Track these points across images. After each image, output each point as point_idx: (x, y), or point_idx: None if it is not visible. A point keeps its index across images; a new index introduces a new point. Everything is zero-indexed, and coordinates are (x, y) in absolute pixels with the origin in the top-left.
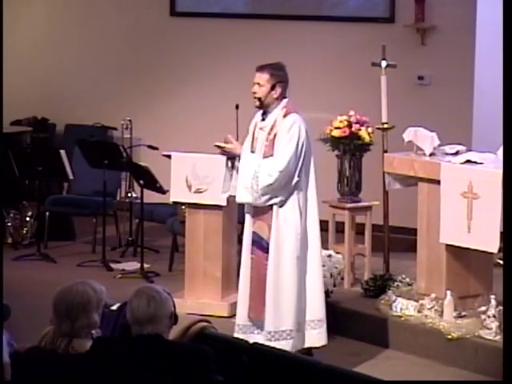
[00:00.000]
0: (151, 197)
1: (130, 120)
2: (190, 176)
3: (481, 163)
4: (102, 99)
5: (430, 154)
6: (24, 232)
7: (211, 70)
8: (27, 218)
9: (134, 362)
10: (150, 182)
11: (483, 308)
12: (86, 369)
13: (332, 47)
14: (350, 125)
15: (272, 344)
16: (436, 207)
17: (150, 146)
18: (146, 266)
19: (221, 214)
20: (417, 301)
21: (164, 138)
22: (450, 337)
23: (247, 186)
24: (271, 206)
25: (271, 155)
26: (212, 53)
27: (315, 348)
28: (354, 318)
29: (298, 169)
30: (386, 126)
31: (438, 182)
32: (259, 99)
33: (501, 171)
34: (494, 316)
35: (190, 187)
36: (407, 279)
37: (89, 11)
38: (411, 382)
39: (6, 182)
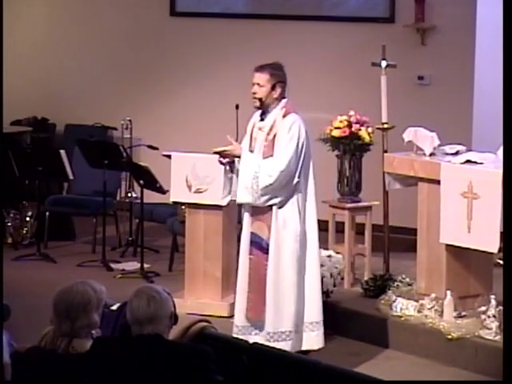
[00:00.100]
0: (151, 197)
1: (130, 120)
2: (190, 176)
3: (481, 163)
4: (102, 99)
5: (430, 154)
6: (24, 232)
7: (211, 70)
8: (27, 218)
9: (134, 361)
10: (150, 182)
11: (483, 308)
12: (86, 369)
13: (332, 47)
14: (350, 125)
15: (271, 345)
16: (436, 207)
17: (150, 146)
18: (146, 265)
19: (221, 214)
20: (417, 301)
21: (164, 138)
22: (449, 337)
23: (247, 186)
24: (271, 206)
25: (271, 155)
26: (212, 53)
27: (313, 351)
28: (353, 318)
29: (298, 169)
30: (386, 125)
31: (438, 182)
32: (260, 100)
33: (501, 171)
34: (494, 316)
35: (190, 187)
36: (407, 279)
37: (89, 11)
38: (411, 382)
39: (6, 181)
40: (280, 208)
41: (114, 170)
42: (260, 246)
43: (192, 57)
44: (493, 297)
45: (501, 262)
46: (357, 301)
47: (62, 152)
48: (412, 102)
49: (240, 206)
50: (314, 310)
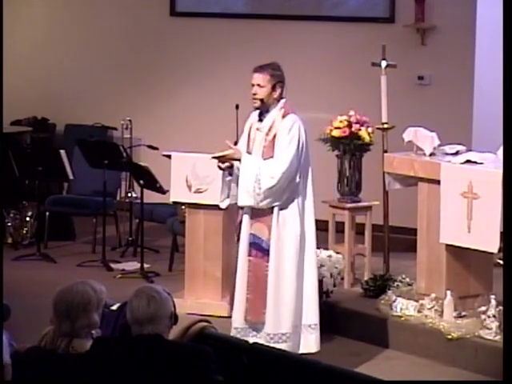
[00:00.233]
0: (151, 197)
1: (130, 120)
2: (190, 176)
3: (481, 163)
4: (102, 99)
5: (430, 154)
6: (24, 232)
7: (211, 70)
8: (27, 218)
9: (134, 361)
10: (150, 181)
11: (483, 308)
12: (86, 369)
13: (332, 47)
14: (350, 125)
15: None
16: (436, 207)
17: (150, 146)
18: (146, 265)
19: (221, 214)
20: (417, 301)
21: (164, 138)
22: (449, 337)
23: (249, 190)
24: (272, 207)
25: (271, 157)
26: (212, 53)
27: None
28: (354, 318)
29: (299, 169)
30: (386, 125)
31: (438, 182)
32: (261, 100)
33: (501, 171)
34: (494, 316)
35: (190, 187)
36: (407, 279)
37: (89, 11)
38: (411, 382)
39: (6, 181)
40: (281, 209)
41: (114, 169)
42: (260, 247)
43: (192, 57)
44: (493, 297)
45: (501, 261)
46: (357, 301)
47: (62, 152)
48: (412, 102)
49: (240, 207)
50: (311, 312)
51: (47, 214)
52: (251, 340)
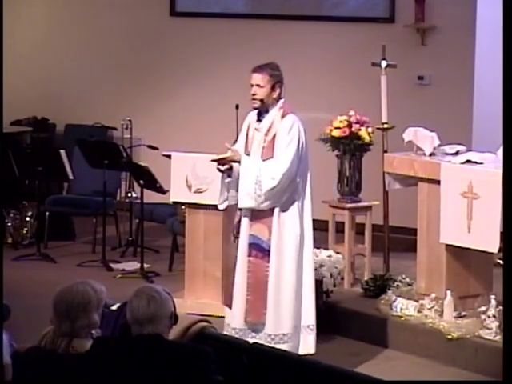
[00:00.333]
0: (151, 197)
1: (130, 120)
2: (190, 176)
3: (481, 163)
4: (102, 99)
5: (430, 154)
6: (24, 232)
7: (211, 70)
8: (27, 218)
9: (134, 361)
10: (150, 181)
11: (483, 308)
12: (86, 369)
13: (332, 47)
14: (350, 125)
15: None
16: (436, 207)
17: (150, 146)
18: (146, 266)
19: (221, 214)
20: (417, 301)
21: (164, 138)
22: (449, 337)
23: (250, 192)
24: (272, 208)
25: (270, 157)
26: (212, 53)
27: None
28: (354, 318)
29: (299, 170)
30: (386, 125)
31: (438, 182)
32: (261, 101)
33: (501, 171)
34: (494, 316)
35: (190, 187)
36: (407, 279)
37: (89, 11)
38: (411, 382)
39: (6, 181)
40: (281, 209)
41: (114, 169)
42: (260, 247)
43: (192, 57)
44: (493, 297)
45: (501, 262)
46: (357, 301)
47: (62, 152)
48: (412, 102)
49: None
50: (310, 313)
51: (47, 214)
52: (251, 340)
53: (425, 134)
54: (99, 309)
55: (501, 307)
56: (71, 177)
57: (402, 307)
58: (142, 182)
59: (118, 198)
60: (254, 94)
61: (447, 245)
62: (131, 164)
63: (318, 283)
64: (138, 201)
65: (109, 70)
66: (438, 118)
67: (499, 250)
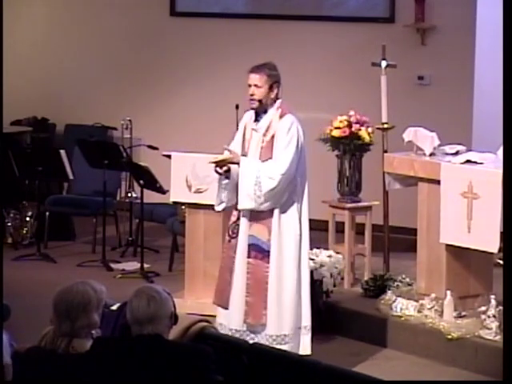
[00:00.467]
0: (151, 197)
1: (130, 120)
2: (190, 176)
3: (481, 163)
4: (102, 99)
5: (430, 154)
6: (24, 232)
7: (211, 70)
8: (27, 218)
9: (134, 361)
10: (150, 181)
11: (483, 308)
12: (86, 369)
13: (332, 47)
14: (350, 125)
15: None
16: (436, 207)
17: (150, 146)
18: (146, 265)
19: (221, 214)
20: (417, 301)
21: (164, 138)
22: (449, 337)
23: (249, 193)
24: (272, 209)
25: (269, 157)
26: (212, 53)
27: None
28: (354, 318)
29: (298, 170)
30: (386, 125)
31: (438, 182)
32: (259, 101)
33: (501, 171)
34: (494, 316)
35: (190, 187)
36: (407, 279)
37: (89, 11)
38: (411, 382)
39: (6, 181)
40: (281, 210)
41: (114, 169)
42: (260, 248)
43: (192, 57)
44: (493, 297)
45: (501, 261)
46: (357, 301)
47: (62, 152)
48: (412, 102)
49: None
50: (306, 314)
51: (47, 214)
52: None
53: (425, 133)
54: (99, 309)
55: (501, 307)
56: (71, 177)
57: (402, 307)
58: (142, 182)
59: (118, 198)
60: (252, 95)
61: (447, 245)
62: (131, 164)
63: (318, 283)
64: (138, 201)
65: (109, 70)
66: (438, 117)
67: (499, 250)
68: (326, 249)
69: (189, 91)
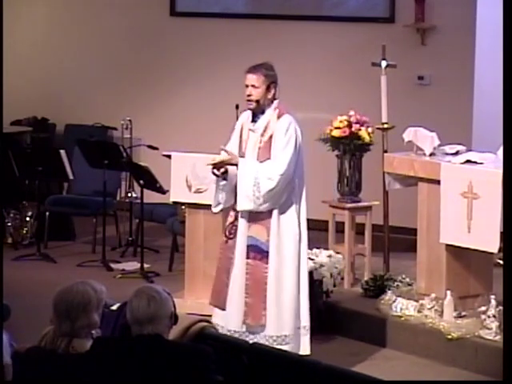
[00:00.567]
0: (151, 197)
1: (130, 120)
2: (190, 176)
3: (481, 163)
4: (102, 99)
5: (430, 154)
6: (24, 232)
7: (211, 70)
8: (27, 218)
9: (134, 362)
10: (150, 181)
11: (483, 308)
12: (86, 369)
13: (332, 47)
14: (350, 125)
15: None
16: (436, 207)
17: (150, 146)
18: (146, 265)
19: (221, 214)
20: (417, 301)
21: (164, 138)
22: (449, 337)
23: (248, 195)
24: (271, 209)
25: (267, 158)
26: (212, 53)
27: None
28: (354, 318)
29: (296, 170)
30: (386, 125)
31: (438, 182)
32: (257, 101)
33: (501, 171)
34: (494, 316)
35: (190, 187)
36: (407, 279)
37: (89, 11)
38: (411, 382)
39: (6, 181)
40: (280, 210)
41: (114, 169)
42: (259, 249)
43: (192, 57)
44: (493, 297)
45: (501, 261)
46: (357, 301)
47: (62, 152)
48: (412, 102)
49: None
50: (305, 314)
51: (47, 214)
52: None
53: (425, 134)
54: (99, 309)
55: (501, 307)
56: (71, 177)
57: (402, 307)
58: (142, 182)
59: (118, 198)
60: (249, 95)
61: (447, 245)
62: (131, 164)
63: (318, 283)
64: (138, 201)
65: (109, 70)
66: (438, 117)
67: (499, 250)
68: (326, 249)
69: (189, 91)
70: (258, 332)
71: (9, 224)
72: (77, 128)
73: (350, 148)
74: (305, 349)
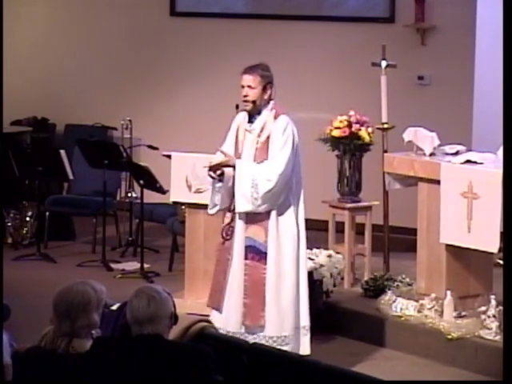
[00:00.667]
0: (151, 197)
1: (130, 120)
2: (190, 176)
3: (481, 163)
4: (102, 99)
5: (430, 154)
6: (24, 232)
7: (211, 70)
8: (27, 218)
9: (134, 362)
10: (150, 181)
11: (483, 308)
12: (86, 369)
13: (332, 47)
14: (350, 125)
15: None
16: (436, 207)
17: (150, 146)
18: (146, 266)
19: (221, 214)
20: (417, 301)
21: (164, 138)
22: (449, 337)
23: (246, 196)
24: (269, 210)
25: (264, 159)
26: (212, 53)
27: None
28: (354, 318)
29: (293, 171)
30: (386, 125)
31: (438, 182)
32: (253, 102)
33: (501, 171)
34: (494, 316)
35: (190, 187)
36: (407, 279)
37: (89, 11)
38: (411, 382)
39: (6, 181)
40: (278, 211)
41: (114, 169)
42: (257, 249)
43: (192, 57)
44: (493, 297)
45: (501, 261)
46: (357, 301)
47: (62, 152)
48: (412, 102)
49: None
50: (304, 314)
51: (47, 214)
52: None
53: (425, 134)
54: (99, 309)
55: (501, 307)
56: (71, 177)
57: (402, 307)
58: (142, 182)
59: (118, 198)
60: (245, 96)
61: (447, 245)
62: (131, 164)
63: (318, 283)
64: (138, 201)
65: (109, 70)
66: (438, 117)
67: (499, 250)
68: (326, 249)
69: (189, 91)
70: (256, 333)
71: (9, 224)
72: (77, 128)
73: (350, 148)
74: (305, 349)
